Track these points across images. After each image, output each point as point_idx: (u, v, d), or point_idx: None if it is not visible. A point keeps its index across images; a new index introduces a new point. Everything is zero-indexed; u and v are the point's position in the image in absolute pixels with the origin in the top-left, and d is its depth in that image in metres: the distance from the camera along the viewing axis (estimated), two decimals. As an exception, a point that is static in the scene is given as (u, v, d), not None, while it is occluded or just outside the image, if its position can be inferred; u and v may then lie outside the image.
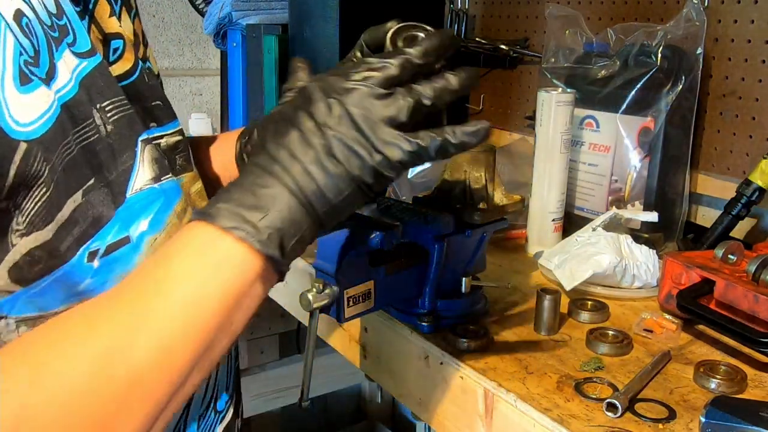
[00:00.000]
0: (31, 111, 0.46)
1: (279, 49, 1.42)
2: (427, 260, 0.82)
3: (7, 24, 0.45)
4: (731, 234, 1.02)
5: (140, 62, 0.60)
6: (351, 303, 0.74)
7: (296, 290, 0.73)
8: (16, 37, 0.46)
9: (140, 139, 0.55)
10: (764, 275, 0.76)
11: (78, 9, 0.54)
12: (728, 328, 0.75)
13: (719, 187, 1.11)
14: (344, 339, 0.95)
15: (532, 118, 1.16)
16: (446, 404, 0.78)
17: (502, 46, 1.47)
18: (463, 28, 1.57)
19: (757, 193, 0.99)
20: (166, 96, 0.63)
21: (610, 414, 0.66)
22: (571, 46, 1.22)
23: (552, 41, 1.24)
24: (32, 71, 0.46)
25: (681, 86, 1.08)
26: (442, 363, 0.77)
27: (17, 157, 0.44)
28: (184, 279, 0.45)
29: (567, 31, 1.23)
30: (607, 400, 0.66)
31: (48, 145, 0.46)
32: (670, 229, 1.12)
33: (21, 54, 0.46)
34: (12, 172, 0.44)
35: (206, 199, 0.65)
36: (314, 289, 0.71)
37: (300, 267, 0.97)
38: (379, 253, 0.76)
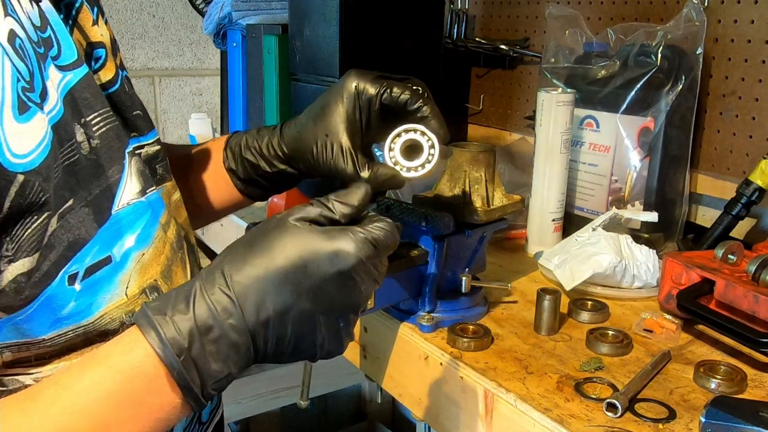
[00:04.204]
0: (28, 141, 0.44)
1: (279, 49, 1.42)
2: (427, 260, 0.82)
3: (3, 49, 0.44)
4: (731, 234, 1.02)
5: (120, 71, 0.59)
6: (351, 303, 0.74)
7: (296, 290, 0.73)
8: (12, 62, 0.44)
9: (127, 151, 0.54)
10: (764, 275, 0.76)
11: (61, 16, 0.52)
12: (728, 328, 0.75)
13: (719, 187, 1.11)
14: (344, 339, 0.95)
15: (532, 118, 1.16)
16: (446, 404, 0.78)
17: (502, 46, 1.47)
18: (463, 28, 1.57)
19: (757, 193, 0.99)
20: (143, 103, 0.62)
21: (610, 414, 0.66)
22: (571, 46, 1.22)
23: (552, 41, 1.24)
24: (29, 97, 0.45)
25: (681, 86, 1.08)
26: (442, 363, 0.77)
27: (13, 190, 0.43)
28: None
29: (567, 31, 1.23)
30: (607, 400, 0.66)
31: (45, 174, 0.45)
32: (670, 229, 1.12)
33: (18, 80, 0.44)
34: (6, 205, 0.43)
35: (184, 208, 0.65)
36: (314, 289, 0.71)
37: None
38: (379, 253, 0.76)
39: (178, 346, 0.46)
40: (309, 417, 2.34)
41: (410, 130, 0.61)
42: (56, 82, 0.49)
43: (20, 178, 0.43)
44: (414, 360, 0.82)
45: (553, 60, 1.23)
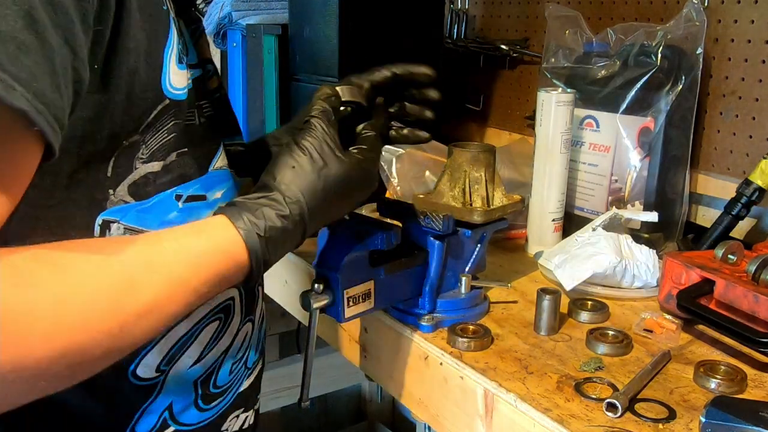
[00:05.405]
0: (180, 81, 0.61)
1: (279, 49, 1.42)
2: (427, 260, 0.82)
3: (173, 18, 0.60)
4: (731, 234, 1.02)
5: (221, 86, 0.78)
6: (351, 303, 0.74)
7: (296, 290, 0.74)
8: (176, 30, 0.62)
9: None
10: (764, 275, 0.77)
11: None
12: (728, 328, 0.75)
13: (719, 187, 1.11)
14: (344, 339, 0.95)
15: (532, 118, 1.16)
16: (446, 404, 0.78)
17: (502, 46, 1.47)
18: (463, 28, 1.57)
19: (757, 193, 0.99)
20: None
21: (610, 414, 0.66)
22: (571, 46, 1.22)
23: (552, 41, 1.24)
24: (182, 58, 0.62)
25: (681, 86, 1.08)
26: (442, 363, 0.77)
27: (159, 106, 0.60)
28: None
29: (567, 31, 1.23)
30: (607, 400, 0.66)
31: (179, 109, 0.62)
32: (670, 229, 1.12)
33: (178, 43, 0.61)
34: (153, 113, 0.59)
35: None
36: (314, 290, 0.71)
37: (300, 267, 0.97)
38: (379, 253, 0.76)
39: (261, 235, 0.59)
40: (309, 417, 2.35)
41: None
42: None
43: (167, 101, 0.60)
44: (414, 360, 0.82)
45: (553, 60, 1.23)
